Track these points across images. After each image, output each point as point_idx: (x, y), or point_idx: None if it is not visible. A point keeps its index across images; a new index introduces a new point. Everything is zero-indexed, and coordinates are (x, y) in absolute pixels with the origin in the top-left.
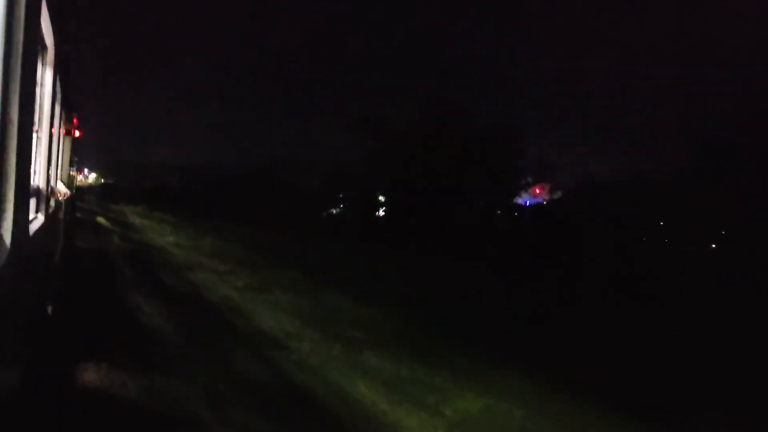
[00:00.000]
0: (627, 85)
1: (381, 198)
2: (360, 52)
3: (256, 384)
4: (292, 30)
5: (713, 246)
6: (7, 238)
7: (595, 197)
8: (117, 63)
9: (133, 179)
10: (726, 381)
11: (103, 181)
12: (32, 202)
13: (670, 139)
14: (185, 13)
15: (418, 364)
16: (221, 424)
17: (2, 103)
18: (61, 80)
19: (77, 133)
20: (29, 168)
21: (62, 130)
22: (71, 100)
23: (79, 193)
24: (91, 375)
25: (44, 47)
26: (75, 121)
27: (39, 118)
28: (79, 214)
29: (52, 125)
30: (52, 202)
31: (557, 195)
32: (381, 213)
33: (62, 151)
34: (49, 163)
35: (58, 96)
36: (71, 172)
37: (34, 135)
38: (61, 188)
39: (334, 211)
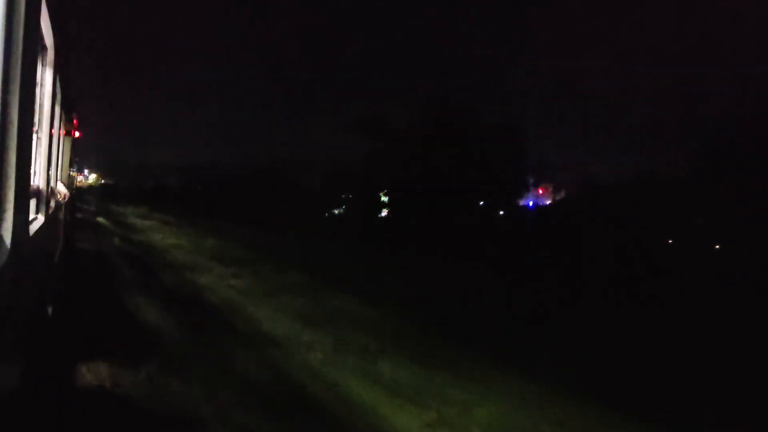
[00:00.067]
0: (627, 86)
1: (384, 198)
2: (360, 52)
3: (256, 384)
4: (292, 30)
5: (717, 247)
6: (7, 239)
7: (598, 198)
8: (117, 63)
9: (133, 179)
10: (726, 381)
11: (103, 181)
12: (32, 203)
13: (670, 139)
14: (185, 14)
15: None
16: (220, 422)
17: (2, 103)
18: (60, 81)
19: (77, 134)
20: (29, 169)
21: (62, 131)
22: (71, 101)
23: (79, 193)
24: (91, 375)
25: (44, 48)
26: (75, 121)
27: (39, 119)
28: (78, 215)
29: (51, 126)
30: (52, 203)
31: (560, 195)
32: (384, 213)
33: (62, 151)
34: (49, 164)
35: (58, 96)
36: (71, 173)
37: (34, 136)
38: (61, 189)
39: (337, 212)
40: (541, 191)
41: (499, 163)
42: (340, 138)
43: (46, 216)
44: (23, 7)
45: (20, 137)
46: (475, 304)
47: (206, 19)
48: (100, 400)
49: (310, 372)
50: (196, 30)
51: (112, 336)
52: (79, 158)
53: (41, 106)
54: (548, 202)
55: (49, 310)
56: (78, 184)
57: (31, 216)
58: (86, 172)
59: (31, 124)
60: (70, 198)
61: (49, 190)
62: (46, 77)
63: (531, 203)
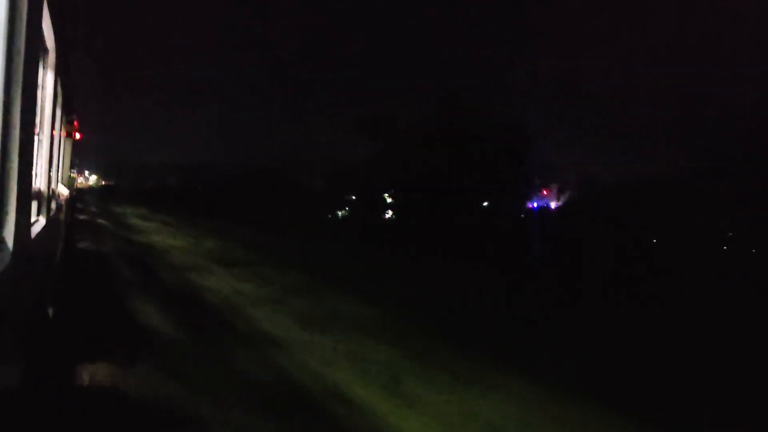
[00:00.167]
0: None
1: (389, 200)
2: (360, 52)
3: (255, 384)
4: (292, 30)
5: (725, 248)
6: (9, 241)
7: (605, 201)
8: (117, 64)
9: (133, 180)
10: (726, 381)
11: (103, 182)
12: (33, 205)
13: (670, 139)
14: (185, 14)
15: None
16: (218, 420)
17: (4, 106)
18: (61, 83)
19: (78, 136)
20: (31, 171)
21: (63, 133)
22: (72, 103)
23: (79, 194)
24: (91, 375)
25: (45, 50)
26: (75, 123)
27: (40, 121)
28: (79, 216)
29: (53, 128)
30: (53, 205)
31: (564, 197)
32: (389, 214)
33: (63, 153)
34: (50, 166)
35: (59, 99)
36: (72, 174)
37: (36, 138)
38: (62, 190)
39: (340, 214)
40: (545, 192)
41: (511, 164)
42: (340, 138)
43: (48, 218)
44: (25, 10)
45: (22, 140)
46: (477, 304)
47: (206, 19)
48: (100, 400)
49: (308, 372)
50: (196, 30)
51: (111, 336)
52: (79, 160)
53: (42, 108)
54: (552, 203)
55: (50, 310)
56: (78, 185)
57: (33, 218)
58: (87, 173)
59: (33, 127)
60: (70, 199)
61: (50, 191)
62: (47, 80)
63: (535, 205)
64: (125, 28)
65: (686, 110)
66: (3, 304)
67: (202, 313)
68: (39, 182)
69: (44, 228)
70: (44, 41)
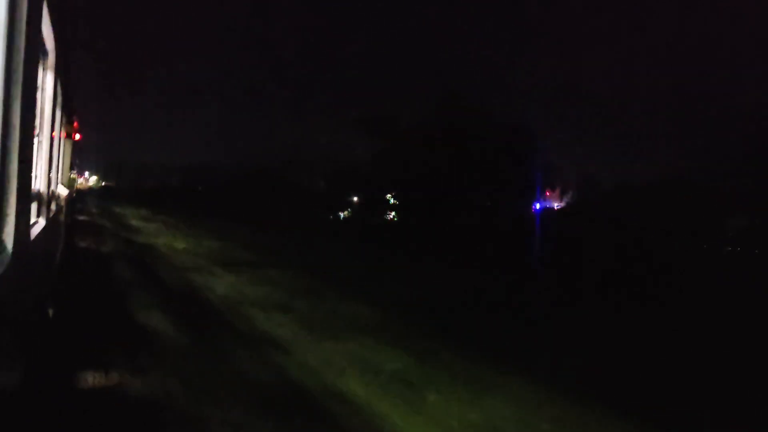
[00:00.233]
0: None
1: (391, 201)
2: (360, 52)
3: (255, 383)
4: (292, 30)
5: (729, 249)
6: (9, 243)
7: (605, 200)
8: (117, 65)
9: (133, 181)
10: (726, 381)
11: (103, 183)
12: (33, 206)
13: (669, 139)
14: (185, 14)
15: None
16: (217, 419)
17: (4, 107)
18: (61, 84)
19: (77, 137)
20: (31, 172)
21: (63, 134)
22: (72, 104)
23: (79, 195)
24: (91, 375)
25: (45, 51)
26: (75, 124)
27: (40, 122)
28: (79, 217)
29: (52, 129)
30: (53, 206)
31: (567, 198)
32: (391, 215)
33: (63, 154)
34: (49, 167)
35: (59, 100)
36: (72, 175)
37: (35, 139)
38: (62, 191)
39: (342, 215)
40: (547, 193)
41: (516, 165)
42: (340, 138)
43: (47, 219)
44: (25, 11)
45: (22, 141)
46: (476, 304)
47: (206, 19)
48: (100, 400)
49: (308, 372)
50: (196, 30)
51: (111, 336)
52: (79, 160)
53: (42, 109)
54: (555, 204)
55: (50, 311)
56: (78, 186)
57: (33, 219)
58: (87, 174)
59: (33, 128)
60: (70, 200)
61: (50, 193)
62: (47, 81)
63: (538, 206)
64: (125, 29)
65: (686, 110)
66: (3, 305)
67: (201, 313)
68: (39, 183)
69: (44, 229)
70: (44, 42)
